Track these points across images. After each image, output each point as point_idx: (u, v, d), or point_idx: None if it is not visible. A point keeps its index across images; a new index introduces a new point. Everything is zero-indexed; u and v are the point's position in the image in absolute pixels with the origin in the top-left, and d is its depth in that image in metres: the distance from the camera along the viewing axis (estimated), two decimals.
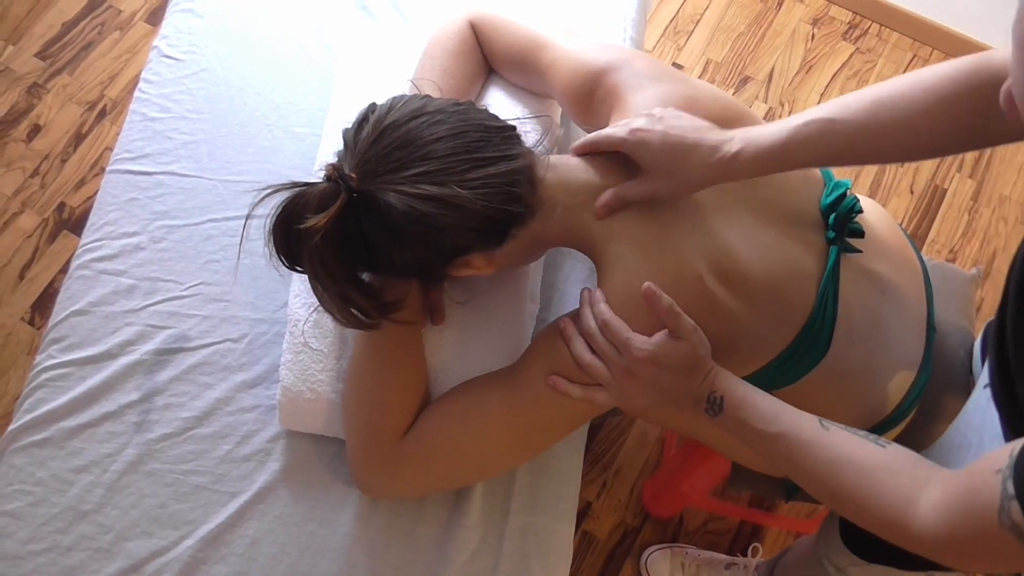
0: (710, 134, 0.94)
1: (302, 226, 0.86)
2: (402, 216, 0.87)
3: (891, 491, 0.81)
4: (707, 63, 2.31)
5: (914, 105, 0.89)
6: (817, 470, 0.87)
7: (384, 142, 0.88)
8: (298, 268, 0.93)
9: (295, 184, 0.89)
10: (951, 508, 0.75)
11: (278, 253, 0.92)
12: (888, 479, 0.82)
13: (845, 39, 2.36)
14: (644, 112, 0.97)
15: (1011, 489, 0.68)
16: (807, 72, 2.31)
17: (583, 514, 1.78)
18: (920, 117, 0.89)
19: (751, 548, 1.71)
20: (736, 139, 0.93)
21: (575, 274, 1.28)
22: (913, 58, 2.34)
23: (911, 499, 0.79)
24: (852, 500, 0.84)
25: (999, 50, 0.87)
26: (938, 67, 0.90)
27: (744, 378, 0.97)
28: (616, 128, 0.96)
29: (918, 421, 1.16)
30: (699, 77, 2.28)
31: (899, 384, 1.10)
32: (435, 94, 0.98)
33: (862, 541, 1.20)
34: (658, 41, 2.33)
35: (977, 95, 0.87)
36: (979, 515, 0.71)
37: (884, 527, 0.83)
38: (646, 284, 0.91)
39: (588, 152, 1.01)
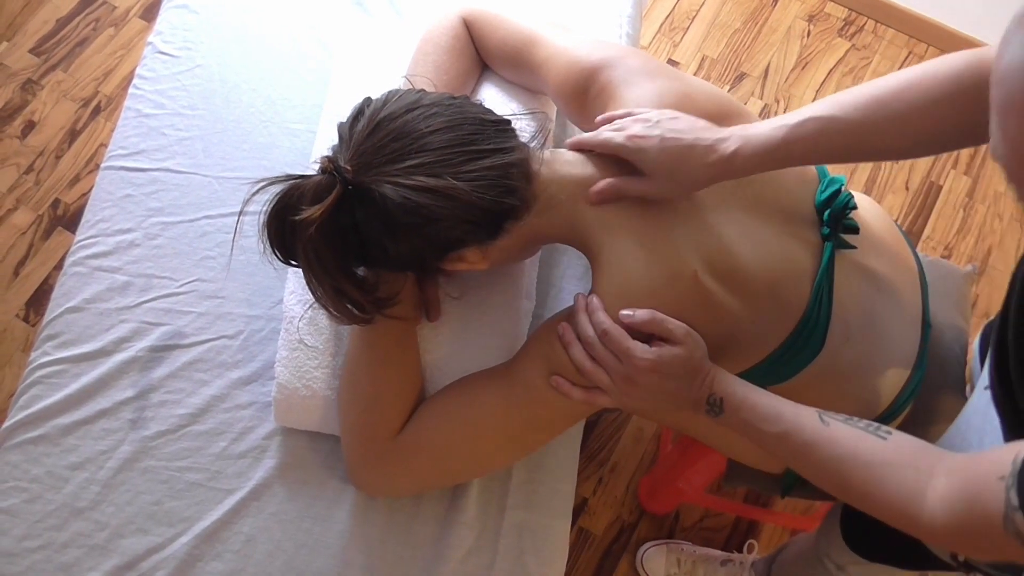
0: (706, 134, 0.94)
1: (297, 218, 0.86)
2: (397, 207, 0.87)
3: (897, 486, 0.81)
4: (703, 59, 2.31)
5: (911, 103, 0.89)
6: (822, 468, 0.88)
7: (379, 134, 0.88)
8: (292, 262, 0.93)
9: (290, 177, 0.89)
10: (956, 505, 0.76)
11: (272, 246, 0.91)
12: (893, 474, 0.82)
13: (841, 36, 2.36)
14: (641, 116, 0.97)
15: (1015, 500, 0.69)
16: (803, 69, 2.31)
17: (579, 510, 1.78)
18: (917, 115, 0.89)
19: (747, 544, 1.72)
20: (733, 137, 0.93)
21: (571, 271, 1.28)
22: (908, 55, 2.35)
23: (918, 493, 0.80)
24: (861, 495, 0.85)
25: (993, 46, 0.87)
26: (933, 64, 0.90)
27: (739, 375, 0.97)
28: (613, 133, 0.96)
29: (914, 420, 1.16)
30: (695, 73, 2.28)
31: (894, 381, 1.10)
32: (428, 90, 0.98)
33: (863, 540, 1.20)
34: (654, 37, 2.33)
35: (973, 92, 0.87)
36: (984, 517, 0.72)
37: (894, 519, 0.83)
38: (621, 313, 0.92)
39: (584, 150, 1.01)
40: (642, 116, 0.96)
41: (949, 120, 0.89)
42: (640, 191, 0.95)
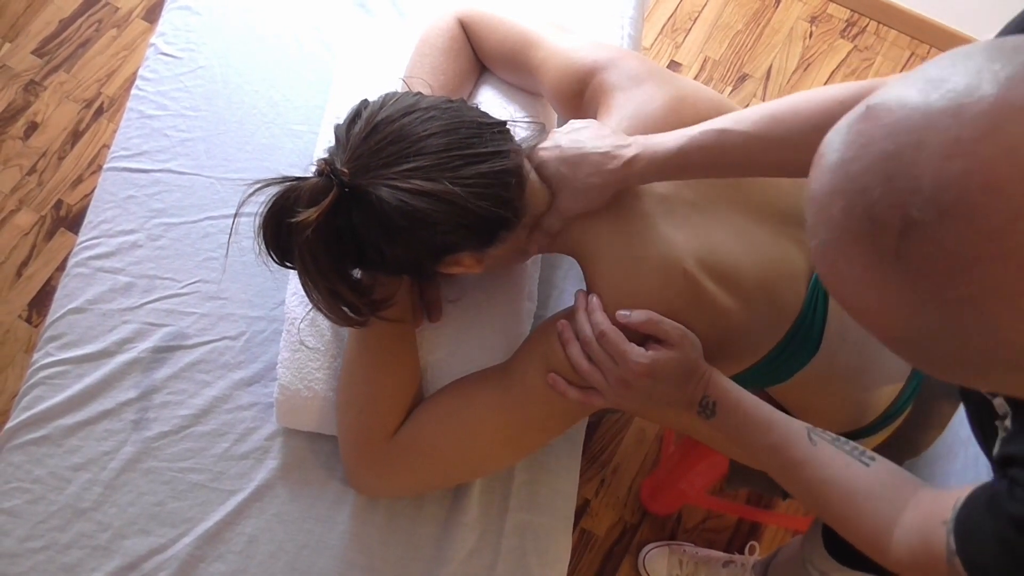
0: (606, 141, 0.94)
1: (293, 220, 0.86)
2: (394, 211, 0.87)
3: (871, 516, 0.83)
4: (705, 61, 2.31)
5: (806, 121, 0.88)
6: (805, 487, 0.89)
7: (376, 137, 0.88)
8: (288, 263, 0.93)
9: (286, 179, 0.89)
10: (913, 543, 0.77)
11: (268, 248, 0.91)
12: (868, 505, 0.84)
13: (843, 37, 2.36)
14: (551, 134, 0.98)
15: (953, 545, 0.70)
16: (805, 70, 2.31)
17: (581, 512, 1.78)
18: (811, 134, 0.87)
19: (749, 546, 1.71)
20: (634, 144, 0.93)
21: (574, 271, 1.28)
22: (911, 56, 2.34)
23: (888, 525, 0.81)
24: (838, 520, 0.87)
25: (891, 78, 0.87)
26: (833, 87, 0.90)
27: (734, 376, 0.97)
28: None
29: (910, 426, 1.16)
30: (697, 75, 2.28)
31: (891, 384, 1.10)
32: (425, 92, 0.98)
33: (844, 548, 1.21)
34: (656, 39, 2.33)
35: None
36: (934, 558, 0.73)
37: (865, 547, 0.85)
38: (618, 313, 0.92)
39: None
40: (551, 133, 0.98)
41: None
42: (552, 223, 0.96)
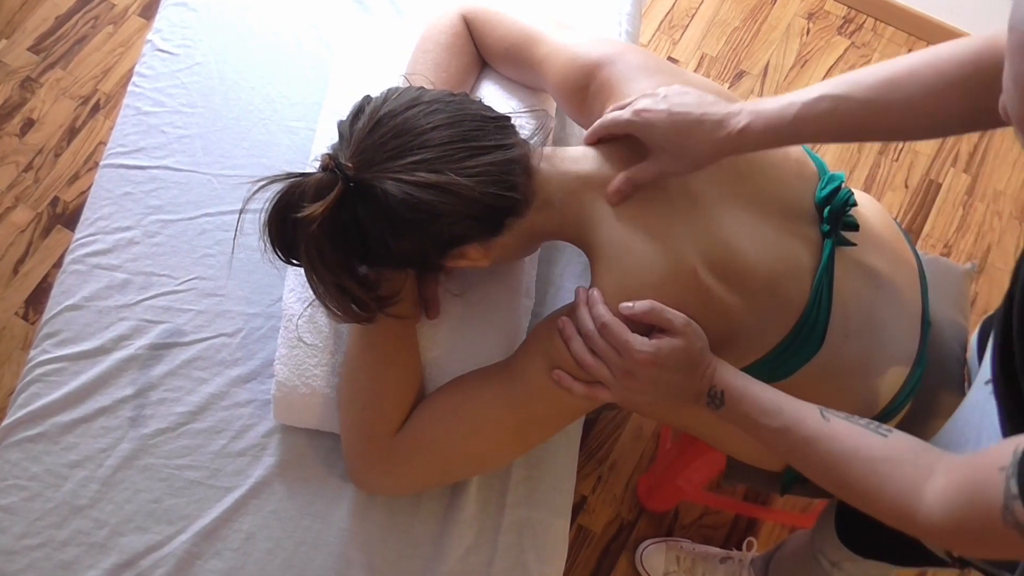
0: (715, 108, 0.93)
1: (299, 215, 0.86)
2: (400, 204, 0.87)
3: (896, 482, 0.81)
4: (702, 57, 2.31)
5: (924, 85, 0.88)
6: (822, 464, 0.87)
7: (380, 131, 0.88)
8: (293, 260, 0.93)
9: (290, 175, 0.89)
10: (955, 500, 0.76)
11: (273, 244, 0.91)
12: (892, 470, 0.82)
13: (840, 33, 2.36)
14: (648, 92, 0.96)
15: (1014, 488, 0.69)
16: (802, 67, 2.31)
17: (578, 508, 1.78)
18: (929, 97, 0.88)
19: (746, 542, 1.72)
20: (744, 112, 0.92)
21: (571, 268, 1.28)
22: (908, 53, 2.34)
23: (916, 489, 0.80)
24: (859, 492, 0.85)
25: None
26: (948, 46, 0.89)
27: None
28: (621, 111, 0.96)
29: (913, 417, 1.16)
30: (694, 71, 2.27)
31: (893, 378, 1.10)
32: (428, 88, 0.98)
33: (857, 537, 1.20)
34: (653, 35, 2.33)
35: (986, 75, 0.86)
36: (983, 510, 0.72)
37: (891, 517, 0.83)
38: (620, 305, 0.92)
39: (599, 139, 1.01)
40: (649, 92, 0.96)
41: (962, 104, 0.88)
42: (652, 173, 0.95)
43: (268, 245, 0.91)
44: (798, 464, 0.91)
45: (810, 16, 2.37)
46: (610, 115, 0.97)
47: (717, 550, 1.72)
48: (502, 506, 1.12)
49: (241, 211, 0.94)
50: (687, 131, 0.93)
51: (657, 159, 0.95)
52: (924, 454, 0.82)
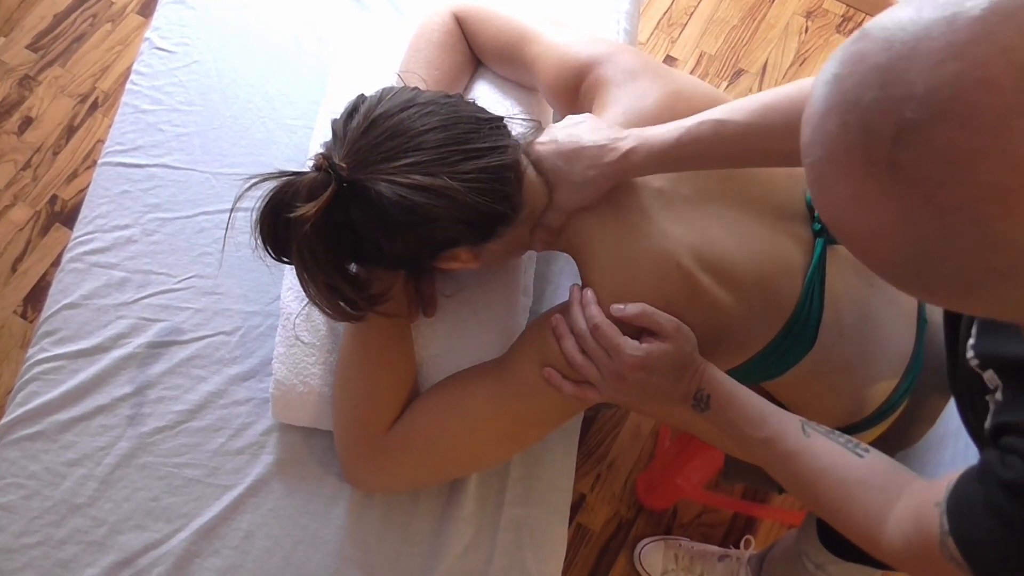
0: (603, 133, 0.94)
1: (291, 215, 0.86)
2: (393, 206, 0.86)
3: (864, 506, 0.83)
4: (701, 56, 2.31)
5: (802, 109, 0.88)
6: (798, 479, 0.89)
7: (374, 132, 0.88)
8: (284, 259, 0.93)
9: (284, 173, 0.89)
10: (907, 529, 0.77)
11: (265, 243, 0.91)
12: (862, 493, 0.83)
13: (839, 32, 2.35)
14: (551, 127, 0.98)
15: (946, 525, 0.70)
16: (800, 65, 2.31)
17: (577, 507, 1.78)
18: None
19: (744, 540, 1.72)
20: (631, 137, 0.93)
21: (569, 267, 1.28)
22: None
23: (881, 515, 0.81)
24: (831, 511, 0.86)
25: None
26: None
27: (730, 371, 0.97)
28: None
29: (909, 417, 1.16)
30: (692, 70, 2.28)
31: (888, 378, 1.10)
32: (420, 87, 0.98)
33: (838, 540, 1.21)
34: (652, 34, 2.33)
35: None
36: (927, 543, 0.73)
37: (858, 538, 0.85)
38: (612, 307, 0.92)
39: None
40: (548, 128, 0.98)
41: None
42: (553, 217, 0.96)
43: (260, 244, 0.91)
44: (776, 475, 0.92)
45: (809, 14, 2.37)
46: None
47: (715, 548, 1.73)
48: (500, 504, 1.12)
49: (232, 209, 0.94)
50: (573, 157, 0.93)
51: (555, 193, 0.96)
52: (896, 478, 0.83)
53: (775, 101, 0.90)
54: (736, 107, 0.91)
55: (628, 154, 0.92)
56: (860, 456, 0.86)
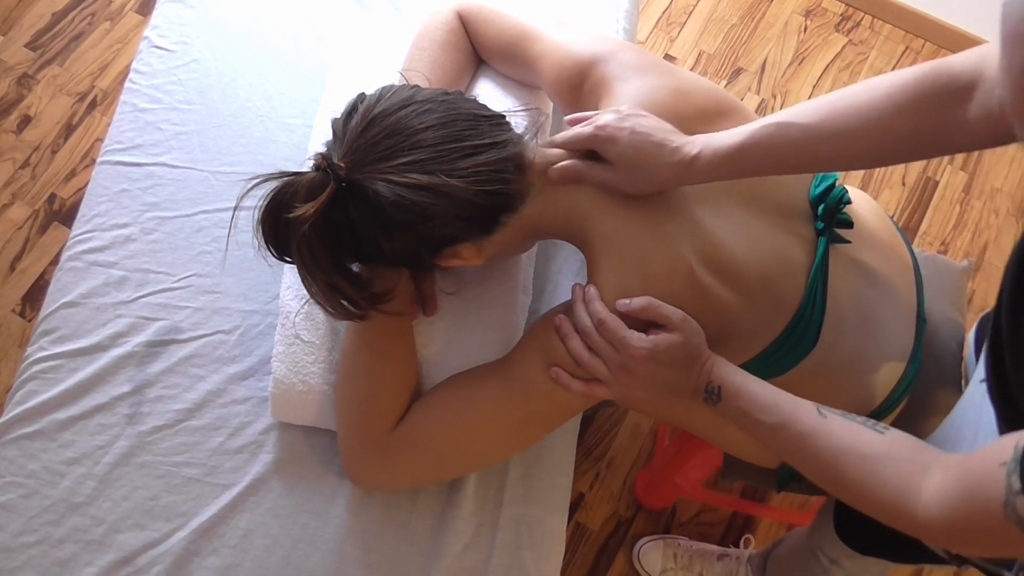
0: (673, 135, 0.94)
1: (291, 215, 0.86)
2: (391, 205, 0.87)
3: (893, 479, 0.81)
4: (700, 54, 2.31)
5: (868, 110, 0.89)
6: (818, 460, 0.87)
7: (373, 131, 0.88)
8: (286, 258, 0.93)
9: (283, 174, 0.89)
10: (953, 497, 0.75)
11: (267, 243, 0.91)
12: (889, 467, 0.82)
13: (838, 31, 2.36)
14: (611, 108, 0.97)
15: (1016, 484, 0.68)
16: (800, 64, 2.31)
17: (576, 505, 1.78)
18: (874, 123, 0.89)
19: (743, 539, 1.72)
20: (697, 142, 0.93)
21: (568, 265, 1.28)
22: (905, 50, 2.35)
23: (913, 486, 0.79)
24: (854, 489, 0.85)
25: (955, 56, 0.88)
26: (895, 73, 0.90)
27: None
28: (583, 127, 0.97)
29: (909, 415, 1.17)
30: (691, 69, 2.28)
31: (889, 375, 1.10)
32: (424, 85, 0.98)
33: (856, 534, 1.21)
34: (651, 32, 2.33)
35: (933, 100, 0.87)
36: (983, 506, 0.72)
37: (887, 515, 0.83)
38: (618, 302, 0.92)
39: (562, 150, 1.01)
40: (612, 108, 0.97)
41: (909, 129, 0.89)
42: (602, 179, 0.96)
43: (261, 243, 0.91)
44: (793, 461, 0.91)
45: (808, 13, 2.37)
46: (572, 131, 0.98)
47: (714, 547, 1.73)
48: (499, 503, 1.12)
49: (235, 209, 0.94)
50: (646, 152, 0.93)
51: (613, 171, 0.95)
52: (921, 452, 0.82)
53: (839, 102, 0.90)
54: (798, 111, 0.92)
55: (694, 160, 0.92)
56: (880, 433, 0.85)
